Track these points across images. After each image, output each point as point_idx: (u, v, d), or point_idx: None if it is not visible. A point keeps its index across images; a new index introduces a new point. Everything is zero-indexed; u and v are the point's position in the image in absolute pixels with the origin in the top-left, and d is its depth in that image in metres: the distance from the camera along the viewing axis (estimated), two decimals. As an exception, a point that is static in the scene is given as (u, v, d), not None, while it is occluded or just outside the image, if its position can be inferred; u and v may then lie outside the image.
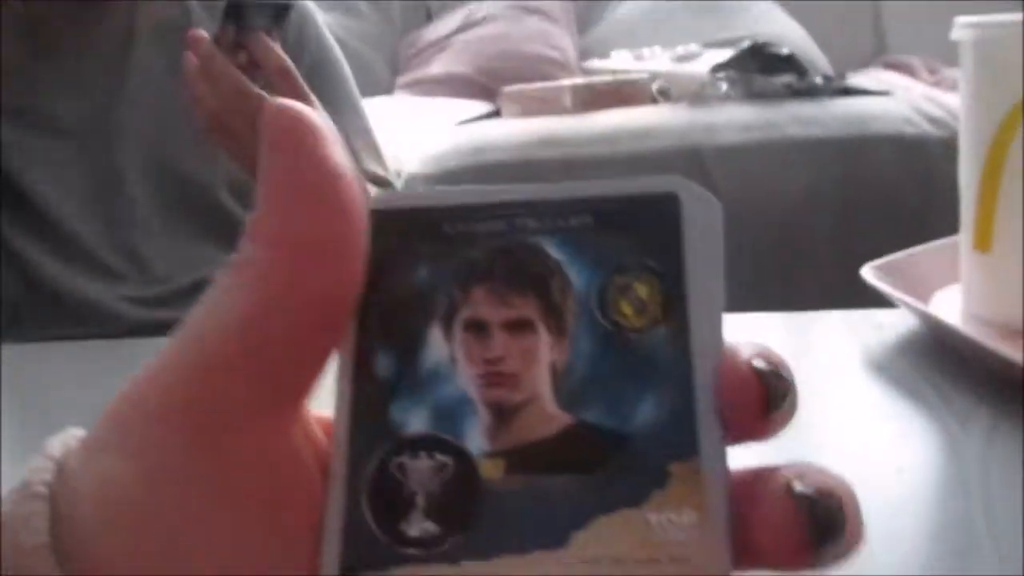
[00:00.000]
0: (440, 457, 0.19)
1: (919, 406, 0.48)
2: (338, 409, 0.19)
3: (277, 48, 0.81)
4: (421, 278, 0.20)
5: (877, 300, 0.59)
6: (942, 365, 0.52)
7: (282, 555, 0.18)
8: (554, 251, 0.20)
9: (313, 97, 0.81)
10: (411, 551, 0.18)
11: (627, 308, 0.19)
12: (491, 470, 0.19)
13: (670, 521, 0.18)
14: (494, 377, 0.19)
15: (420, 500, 0.19)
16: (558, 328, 0.19)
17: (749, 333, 0.20)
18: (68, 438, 0.19)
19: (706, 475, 0.18)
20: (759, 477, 0.18)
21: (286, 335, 0.18)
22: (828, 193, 1.54)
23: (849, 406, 0.49)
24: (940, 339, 0.55)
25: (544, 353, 0.19)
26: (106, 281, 0.88)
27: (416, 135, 1.68)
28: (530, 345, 0.19)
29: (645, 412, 0.19)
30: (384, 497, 0.19)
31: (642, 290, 0.19)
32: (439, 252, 0.20)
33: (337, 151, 0.19)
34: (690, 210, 0.20)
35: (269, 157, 0.19)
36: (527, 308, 0.19)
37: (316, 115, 0.19)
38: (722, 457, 0.18)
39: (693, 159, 1.56)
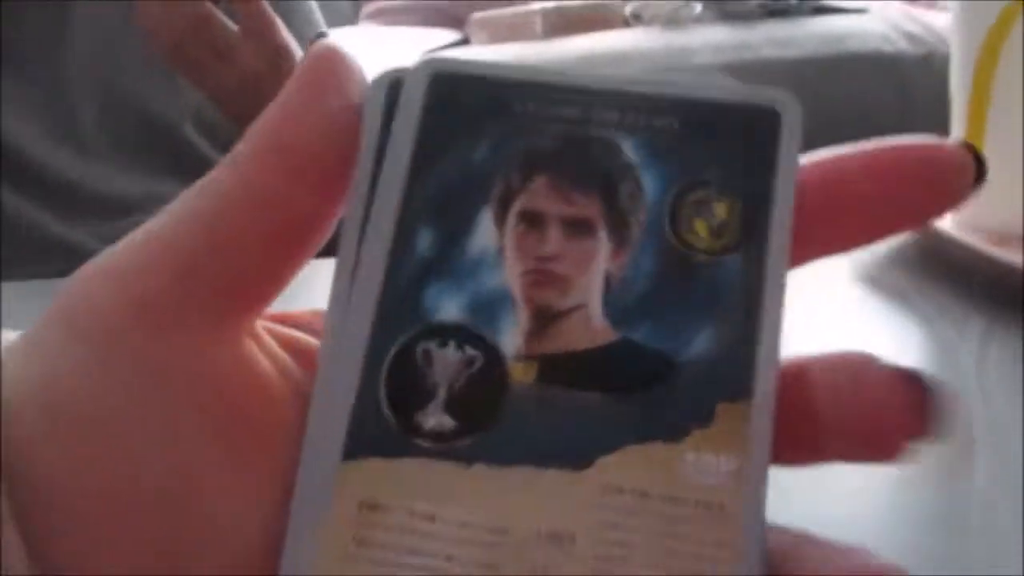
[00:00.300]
0: (470, 350, 0.17)
1: (913, 315, 0.48)
2: (367, 280, 0.17)
3: (237, -29, 0.77)
4: (480, 156, 0.18)
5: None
6: (934, 274, 0.51)
7: (232, 474, 0.17)
8: (630, 152, 0.18)
9: (279, 21, 0.78)
10: (423, 443, 0.17)
11: (701, 228, 0.17)
12: (522, 374, 0.17)
13: (708, 463, 0.16)
14: (543, 276, 0.17)
15: (441, 392, 0.17)
16: (620, 237, 0.17)
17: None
18: None
19: (755, 421, 0.16)
20: (833, 365, 0.18)
21: (251, 233, 0.17)
22: (805, 113, 1.53)
23: (843, 319, 0.49)
24: (931, 248, 0.54)
25: (601, 260, 0.17)
26: (68, 218, 0.85)
27: (384, 65, 1.64)
28: (587, 249, 0.17)
29: (700, 342, 0.17)
30: (403, 382, 0.17)
31: (721, 210, 0.17)
32: (504, 131, 0.18)
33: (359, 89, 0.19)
34: (788, 130, 0.18)
35: (295, 81, 0.18)
36: (590, 208, 0.18)
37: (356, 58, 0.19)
38: (773, 404, 0.16)
39: (668, 83, 1.53)
